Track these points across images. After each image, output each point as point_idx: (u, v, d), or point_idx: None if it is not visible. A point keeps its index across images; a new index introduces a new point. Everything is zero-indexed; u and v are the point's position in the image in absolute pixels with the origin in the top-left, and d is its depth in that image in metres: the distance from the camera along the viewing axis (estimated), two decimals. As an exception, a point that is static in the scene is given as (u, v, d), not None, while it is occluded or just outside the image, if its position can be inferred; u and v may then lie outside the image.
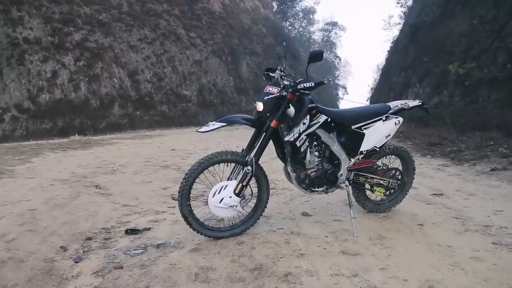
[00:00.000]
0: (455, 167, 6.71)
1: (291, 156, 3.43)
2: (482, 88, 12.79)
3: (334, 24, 61.00)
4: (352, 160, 3.67)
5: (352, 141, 3.63)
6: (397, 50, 24.53)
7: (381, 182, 3.88)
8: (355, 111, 3.73)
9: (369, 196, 4.06)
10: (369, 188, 3.94)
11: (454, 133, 10.41)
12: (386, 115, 3.74)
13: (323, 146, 3.57)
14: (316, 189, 3.60)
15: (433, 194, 4.96)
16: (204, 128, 3.23)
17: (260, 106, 3.26)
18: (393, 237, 3.43)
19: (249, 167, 3.27)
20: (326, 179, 3.59)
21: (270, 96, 3.27)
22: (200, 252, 3.19)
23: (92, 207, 4.55)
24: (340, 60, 65.73)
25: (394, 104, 3.82)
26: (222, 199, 3.27)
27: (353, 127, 3.61)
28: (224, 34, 28.29)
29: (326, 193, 3.71)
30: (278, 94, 3.27)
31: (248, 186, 3.36)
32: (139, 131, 17.01)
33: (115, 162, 7.79)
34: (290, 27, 53.44)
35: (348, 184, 3.68)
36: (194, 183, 3.31)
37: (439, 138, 9.69)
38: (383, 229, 3.61)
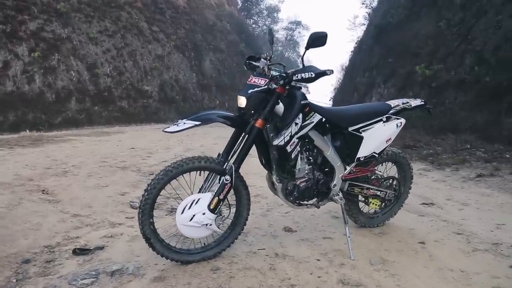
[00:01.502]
0: (437, 172, 6.33)
1: (279, 163, 2.83)
2: (449, 90, 12.72)
3: (298, 23, 61.33)
4: (348, 168, 3.11)
5: (348, 146, 3.07)
6: (361, 50, 24.53)
7: (378, 193, 3.35)
8: (353, 110, 3.15)
9: (361, 209, 3.53)
10: (363, 200, 3.40)
11: (426, 135, 10.17)
12: (387, 115, 3.21)
13: (315, 151, 2.99)
14: (305, 202, 3.02)
15: (424, 204, 4.52)
16: (173, 128, 2.57)
17: (242, 101, 2.64)
18: (396, 260, 2.90)
19: (228, 177, 2.65)
20: (317, 191, 3.02)
21: (256, 89, 2.66)
22: (165, 282, 2.55)
23: (35, 218, 3.79)
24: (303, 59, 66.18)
25: (395, 103, 3.29)
26: (194, 216, 2.62)
27: (350, 129, 3.05)
28: (187, 29, 27.48)
29: (318, 207, 3.14)
30: (266, 87, 2.66)
31: (226, 200, 2.74)
32: (96, 128, 16.05)
33: (68, 162, 6.96)
34: (254, 25, 53.24)
35: (342, 197, 3.11)
36: (159, 196, 2.67)
37: (413, 140, 9.38)
38: (383, 250, 3.07)
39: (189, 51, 26.39)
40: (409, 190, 3.72)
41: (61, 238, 3.33)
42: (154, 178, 2.61)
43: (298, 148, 2.80)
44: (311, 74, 2.57)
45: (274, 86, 2.66)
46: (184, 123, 2.57)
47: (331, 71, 2.60)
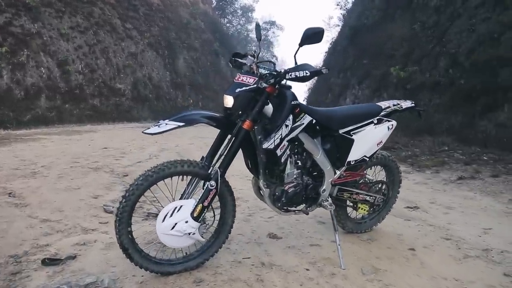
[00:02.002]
0: (418, 174, 6.29)
1: (267, 167, 2.65)
2: (423, 92, 12.85)
3: (272, 23, 61.64)
4: (338, 172, 2.97)
5: (339, 149, 2.92)
6: (336, 51, 24.65)
7: (367, 198, 3.21)
8: (343, 112, 3.00)
9: (349, 214, 3.40)
10: (352, 205, 3.26)
11: (403, 136, 10.19)
12: (378, 117, 3.08)
13: (304, 154, 2.83)
14: (293, 208, 2.86)
15: (408, 207, 4.44)
16: (154, 129, 2.35)
17: (229, 101, 2.45)
18: (388, 268, 2.77)
19: (213, 182, 2.45)
20: (305, 196, 2.86)
21: (244, 88, 2.46)
22: (144, 296, 2.35)
23: (0, 224, 3.51)
24: (277, 59, 67.16)
25: (386, 105, 3.17)
26: (176, 224, 2.41)
27: (340, 131, 2.90)
28: (161, 27, 27.00)
29: (307, 214, 2.99)
30: (255, 86, 2.47)
31: (210, 207, 2.55)
32: (67, 126, 15.52)
33: (37, 162, 6.61)
34: (228, 24, 53.12)
35: (332, 203, 2.95)
36: (138, 202, 2.46)
37: (391, 141, 9.35)
38: (373, 257, 2.94)
39: (163, 49, 25.95)
40: (397, 195, 3.62)
41: (29, 246, 3.07)
42: (132, 184, 2.39)
43: (287, 151, 2.63)
44: (306, 73, 2.39)
45: (264, 85, 2.49)
46: (166, 124, 2.36)
47: (327, 70, 2.43)
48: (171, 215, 2.41)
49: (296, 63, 2.51)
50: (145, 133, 2.36)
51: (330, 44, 27.83)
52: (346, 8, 27.08)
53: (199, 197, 2.45)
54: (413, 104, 3.31)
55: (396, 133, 10.48)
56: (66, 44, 18.14)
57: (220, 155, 2.56)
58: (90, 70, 18.76)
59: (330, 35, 32.47)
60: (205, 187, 2.46)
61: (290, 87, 2.61)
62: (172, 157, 8.02)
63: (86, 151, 8.18)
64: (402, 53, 15.09)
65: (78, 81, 17.81)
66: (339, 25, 29.06)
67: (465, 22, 11.81)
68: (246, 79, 2.50)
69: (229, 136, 2.58)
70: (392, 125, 3.15)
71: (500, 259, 3.02)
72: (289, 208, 2.82)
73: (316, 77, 2.47)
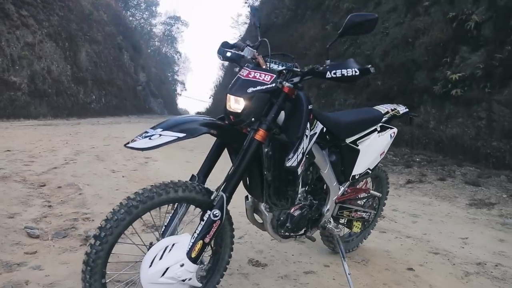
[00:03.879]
0: (362, 177, 6.14)
1: (278, 189, 2.12)
2: (338, 92, 13.09)
3: (177, 19, 61.32)
4: (341, 188, 2.53)
5: (344, 161, 2.48)
6: (245, 49, 24.62)
7: (363, 215, 2.82)
8: (348, 118, 2.54)
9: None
10: (346, 223, 2.85)
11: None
12: (381, 124, 2.71)
13: (310, 169, 2.35)
14: (295, 233, 2.36)
15: (374, 217, 4.18)
16: (142, 142, 1.70)
17: (239, 104, 1.89)
18: (403, 298, 2.41)
19: (217, 212, 1.86)
20: (309, 218, 2.38)
21: (259, 87, 1.90)
22: None
23: None
24: (180, 55, 67.14)
25: (384, 110, 2.81)
26: (167, 269, 1.79)
27: (347, 140, 2.48)
28: (61, 16, 24.78)
29: (313, 240, 2.52)
30: (274, 85, 1.93)
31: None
32: (-50, 125, 13.44)
33: None
34: (131, 18, 51.35)
35: (337, 225, 2.52)
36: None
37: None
38: (380, 284, 2.57)
39: (63, 40, 23.83)
40: (383, 208, 3.30)
41: None
42: (109, 219, 1.71)
43: (303, 168, 2.12)
44: (355, 72, 1.88)
45: (287, 84, 1.96)
46: (161, 135, 1.72)
47: (373, 68, 1.97)
48: (161, 257, 1.80)
49: (328, 57, 2.03)
50: (131, 147, 1.70)
51: (238, 41, 27.87)
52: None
53: (198, 231, 1.85)
54: (406, 110, 3.01)
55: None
56: None
57: (226, 179, 1.94)
58: (-22, 60, 16.51)
59: (238, 32, 32.43)
60: (205, 218, 1.86)
61: (302, 87, 2.11)
62: (92, 161, 7.08)
63: (-16, 156, 6.91)
64: (314, 52, 15.27)
65: (-37, 72, 15.56)
66: (246, 23, 29.13)
67: (379, 26, 12.18)
68: (260, 76, 1.95)
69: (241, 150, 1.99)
70: (394, 132, 2.81)
71: (501, 274, 2.84)
72: (290, 234, 2.33)
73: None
